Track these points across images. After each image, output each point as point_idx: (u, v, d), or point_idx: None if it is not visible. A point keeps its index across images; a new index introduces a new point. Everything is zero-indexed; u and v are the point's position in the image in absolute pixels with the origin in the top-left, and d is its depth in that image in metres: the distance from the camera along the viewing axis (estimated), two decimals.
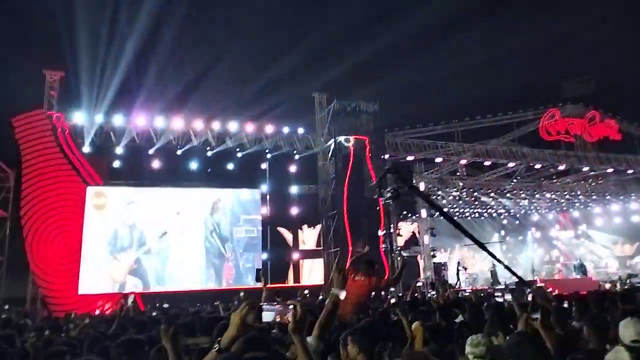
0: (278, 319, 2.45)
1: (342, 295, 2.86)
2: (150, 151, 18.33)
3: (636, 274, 22.13)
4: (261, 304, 4.75)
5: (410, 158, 20.67)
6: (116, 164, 18.12)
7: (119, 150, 17.93)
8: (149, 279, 17.89)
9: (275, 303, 2.40)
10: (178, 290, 17.52)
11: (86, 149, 17.49)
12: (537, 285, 17.14)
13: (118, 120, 17.60)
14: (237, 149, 19.19)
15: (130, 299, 13.61)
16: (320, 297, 13.54)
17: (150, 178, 18.45)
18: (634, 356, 2.87)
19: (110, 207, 18.07)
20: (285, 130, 19.59)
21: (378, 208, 18.08)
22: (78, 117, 17.23)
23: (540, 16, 46.96)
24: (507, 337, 3.22)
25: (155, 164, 18.40)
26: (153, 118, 17.93)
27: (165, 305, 13.88)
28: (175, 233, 18.55)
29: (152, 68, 20.93)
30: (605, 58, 40.83)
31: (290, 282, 19.83)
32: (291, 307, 2.44)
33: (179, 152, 18.57)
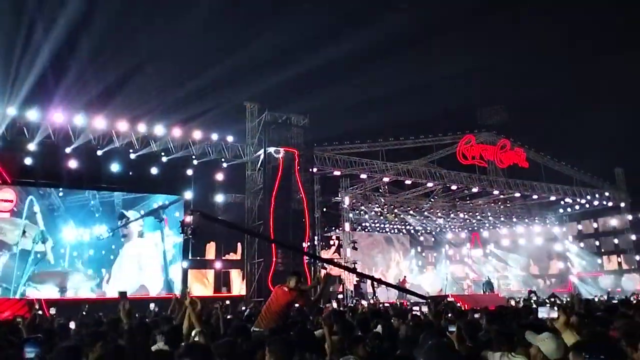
0: None
1: None
2: (67, 150, 17.25)
3: (535, 291, 24.03)
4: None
5: (337, 173, 21.18)
6: (28, 161, 16.87)
7: (32, 147, 16.72)
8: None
9: None
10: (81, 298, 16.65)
11: None
12: (448, 300, 18.06)
13: (33, 115, 16.45)
14: (162, 153, 18.60)
15: (36, 306, 12.65)
16: (243, 308, 13.44)
17: (66, 179, 17.37)
18: None
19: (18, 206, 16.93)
20: (214, 137, 19.30)
21: (304, 220, 18.32)
22: None
23: (460, 50, 50.27)
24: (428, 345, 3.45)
25: (73, 164, 17.34)
26: (72, 115, 16.96)
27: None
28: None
29: (74, 63, 19.82)
30: (517, 91, 44.43)
31: (211, 292, 19.44)
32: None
33: (99, 152, 17.67)
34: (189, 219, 15.32)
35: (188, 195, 19.50)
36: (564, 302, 14.63)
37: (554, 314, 4.08)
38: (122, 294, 3.39)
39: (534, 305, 12.33)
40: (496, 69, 49.55)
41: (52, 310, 13.79)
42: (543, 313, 4.41)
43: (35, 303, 13.34)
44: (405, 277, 27.75)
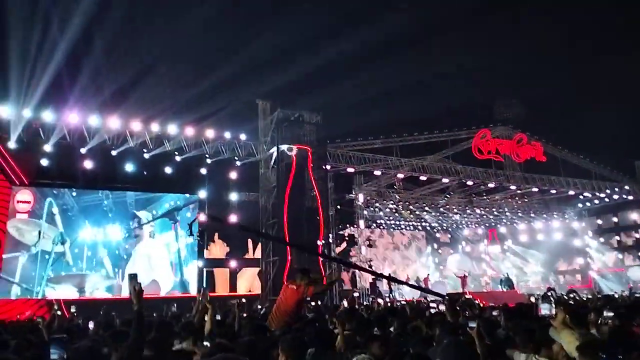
0: None
1: None
2: (83, 150, 17.39)
3: (554, 288, 23.63)
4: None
5: (350, 170, 21.04)
6: (44, 162, 17.07)
7: (48, 148, 16.89)
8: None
9: None
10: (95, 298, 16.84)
11: (12, 144, 16.36)
12: (466, 297, 17.85)
13: (48, 116, 16.59)
14: (176, 153, 18.65)
15: (55, 306, 12.77)
16: (259, 307, 13.43)
17: (81, 179, 17.54)
18: None
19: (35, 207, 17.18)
20: (227, 135, 19.30)
21: (318, 218, 18.24)
22: (4, 111, 16.09)
23: (475, 43, 49.70)
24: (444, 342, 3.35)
25: (88, 164, 17.47)
26: (87, 116, 17.10)
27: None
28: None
29: (88, 64, 20.00)
30: (533, 85, 43.80)
31: (227, 291, 19.46)
32: None
33: (113, 152, 17.78)
34: (197, 220, 15.59)
35: (202, 194, 19.56)
36: (585, 299, 14.36)
37: (553, 311, 3.94)
38: (132, 276, 3.26)
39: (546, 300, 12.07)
40: (512, 64, 48.98)
41: (72, 309, 13.97)
42: (545, 310, 4.27)
43: (55, 303, 13.48)
44: (428, 275, 27.47)
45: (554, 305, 4.06)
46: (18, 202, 17.25)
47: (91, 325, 9.00)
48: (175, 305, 14.69)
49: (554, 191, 26.16)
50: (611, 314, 6.64)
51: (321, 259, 17.73)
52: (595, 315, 6.48)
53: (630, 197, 27.99)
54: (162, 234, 19.26)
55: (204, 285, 18.38)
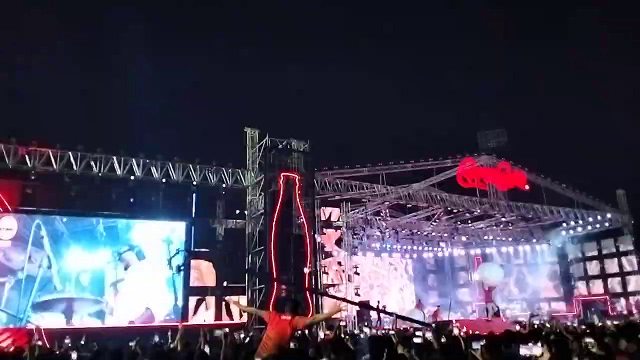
0: None
1: None
2: (69, 178, 17.33)
3: (537, 315, 23.72)
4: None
5: (337, 197, 21.19)
6: (30, 188, 16.96)
7: (34, 174, 16.83)
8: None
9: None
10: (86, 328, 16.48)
11: None
12: (453, 325, 17.85)
13: (35, 143, 16.59)
14: (163, 180, 18.67)
15: (36, 336, 12.50)
16: (242, 335, 13.30)
17: (68, 206, 17.43)
18: None
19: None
20: (215, 163, 19.42)
21: (305, 245, 18.25)
22: None
23: (460, 73, 50.95)
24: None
25: (74, 191, 17.40)
26: (74, 143, 17.12)
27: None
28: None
29: (72, 92, 20.11)
30: (517, 115, 44.79)
31: (211, 320, 19.22)
32: None
33: (100, 179, 17.73)
34: (179, 253, 15.66)
35: (189, 221, 19.50)
36: (567, 326, 14.47)
37: (536, 350, 4.01)
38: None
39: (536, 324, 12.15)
40: (495, 91, 50.18)
41: (65, 341, 13.62)
42: (525, 350, 4.28)
43: (35, 333, 13.19)
44: (439, 307, 26.63)
45: (539, 344, 4.10)
46: (0, 229, 17.03)
47: (74, 356, 8.87)
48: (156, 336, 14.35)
49: (537, 219, 26.52)
50: (592, 340, 6.79)
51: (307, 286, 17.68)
52: (577, 344, 6.61)
53: (613, 226, 28.48)
54: (157, 258, 18.97)
55: (193, 311, 18.20)
